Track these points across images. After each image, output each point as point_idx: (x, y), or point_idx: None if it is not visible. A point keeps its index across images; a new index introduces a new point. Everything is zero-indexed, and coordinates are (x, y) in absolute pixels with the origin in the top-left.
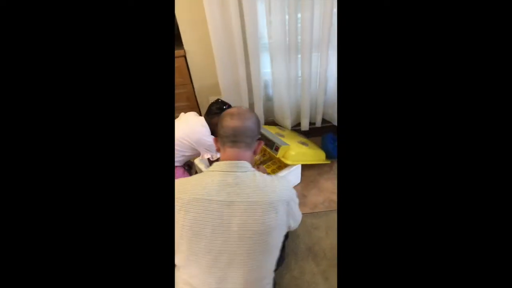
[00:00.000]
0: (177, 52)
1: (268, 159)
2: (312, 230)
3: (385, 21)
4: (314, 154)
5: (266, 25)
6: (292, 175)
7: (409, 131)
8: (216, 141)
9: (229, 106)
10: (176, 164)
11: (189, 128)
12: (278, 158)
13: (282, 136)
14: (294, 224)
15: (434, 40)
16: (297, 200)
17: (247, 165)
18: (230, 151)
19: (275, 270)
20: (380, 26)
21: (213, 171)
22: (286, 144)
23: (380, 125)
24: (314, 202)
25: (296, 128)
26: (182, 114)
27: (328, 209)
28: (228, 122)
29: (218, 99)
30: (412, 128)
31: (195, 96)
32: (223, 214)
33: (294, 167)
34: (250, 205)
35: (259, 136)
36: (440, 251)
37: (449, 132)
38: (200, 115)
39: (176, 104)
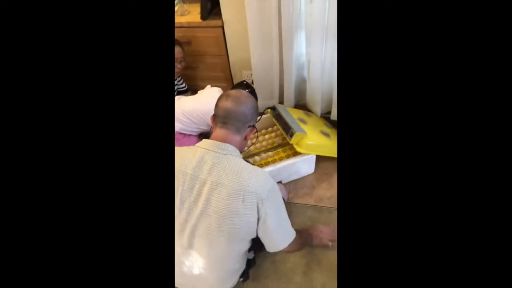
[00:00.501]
0: (215, 22)
1: (286, 143)
2: (308, 222)
3: (386, 20)
4: (333, 147)
5: (304, 2)
6: (304, 164)
7: (410, 128)
8: (212, 119)
9: (252, 91)
10: (191, 133)
11: (207, 106)
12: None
13: (304, 122)
14: (270, 239)
15: (435, 39)
16: (282, 210)
17: (230, 148)
18: (218, 131)
19: (242, 280)
20: (380, 25)
21: (198, 147)
22: (302, 131)
23: (381, 123)
24: (320, 195)
25: (326, 116)
26: (207, 87)
27: (332, 206)
28: (223, 102)
29: (243, 81)
30: (414, 127)
31: (230, 68)
32: (194, 188)
33: (307, 156)
34: (218, 186)
35: (253, 123)
36: (440, 252)
37: (451, 130)
38: (232, 87)
39: (211, 74)
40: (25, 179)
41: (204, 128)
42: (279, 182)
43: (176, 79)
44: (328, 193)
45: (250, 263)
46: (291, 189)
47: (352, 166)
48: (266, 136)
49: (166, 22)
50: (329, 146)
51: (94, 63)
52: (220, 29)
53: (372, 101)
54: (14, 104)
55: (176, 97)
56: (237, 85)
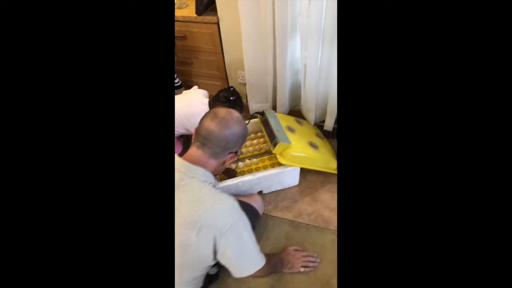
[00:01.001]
0: (210, 18)
1: (268, 152)
2: (282, 239)
3: (385, 20)
4: (320, 160)
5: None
6: (287, 175)
7: (411, 134)
8: (195, 132)
9: (238, 99)
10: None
11: (189, 110)
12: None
13: (293, 131)
14: (232, 268)
15: (435, 40)
16: (247, 241)
17: (199, 172)
18: (194, 151)
19: None
20: (380, 26)
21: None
22: (287, 141)
23: (383, 130)
24: (301, 210)
25: (321, 125)
26: (194, 88)
27: (311, 224)
28: (207, 121)
29: (230, 87)
30: (415, 132)
31: (225, 67)
32: None
33: (290, 167)
34: (175, 211)
35: (235, 150)
36: (440, 265)
37: (455, 140)
38: (228, 86)
39: (206, 71)
40: (24, 179)
41: (182, 131)
42: (260, 192)
43: None
44: (309, 208)
45: (211, 278)
46: (272, 200)
47: (353, 176)
48: (254, 141)
49: (166, 20)
50: (316, 159)
51: (92, 59)
52: (216, 26)
53: (373, 108)
54: (12, 103)
55: None
56: (223, 90)
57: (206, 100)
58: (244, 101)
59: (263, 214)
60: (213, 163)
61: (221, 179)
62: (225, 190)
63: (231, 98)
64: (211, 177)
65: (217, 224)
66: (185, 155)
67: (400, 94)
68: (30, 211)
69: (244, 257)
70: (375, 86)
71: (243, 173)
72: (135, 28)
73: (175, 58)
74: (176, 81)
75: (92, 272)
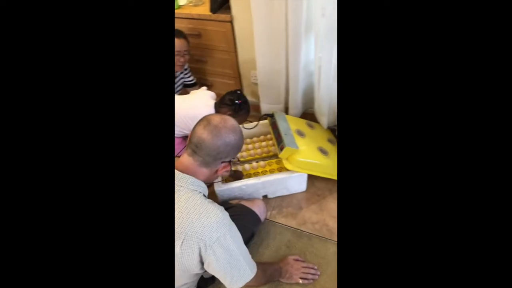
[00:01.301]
0: (224, 17)
1: (276, 155)
2: (282, 247)
3: (386, 21)
4: (329, 167)
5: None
6: (293, 181)
7: (412, 136)
8: (189, 137)
9: (244, 102)
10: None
11: (193, 111)
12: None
13: (302, 135)
14: (221, 279)
15: (435, 42)
16: (236, 254)
17: (189, 181)
18: (185, 158)
19: None
20: (380, 26)
21: None
22: (295, 146)
23: (383, 132)
24: (305, 218)
25: (334, 128)
26: (202, 88)
27: (315, 233)
28: (200, 129)
29: (237, 90)
30: (416, 135)
31: (238, 66)
32: None
33: (297, 173)
34: None
35: (228, 160)
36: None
37: (457, 143)
38: (240, 86)
39: (219, 70)
40: (23, 179)
41: (186, 132)
42: (265, 197)
43: (183, 72)
44: (314, 217)
45: (207, 282)
46: (276, 205)
47: (353, 180)
48: (263, 143)
49: (166, 18)
50: (324, 165)
51: (92, 58)
52: (229, 25)
53: (374, 109)
54: (11, 103)
55: None
56: (229, 93)
57: (212, 102)
58: (256, 101)
59: (266, 219)
60: (204, 171)
61: (226, 181)
62: (228, 193)
63: (236, 101)
64: (202, 186)
65: (202, 237)
66: (176, 162)
67: (400, 95)
68: (28, 213)
69: (233, 270)
70: (375, 87)
71: (249, 175)
72: (135, 27)
73: (187, 57)
74: (191, 78)
75: (89, 273)
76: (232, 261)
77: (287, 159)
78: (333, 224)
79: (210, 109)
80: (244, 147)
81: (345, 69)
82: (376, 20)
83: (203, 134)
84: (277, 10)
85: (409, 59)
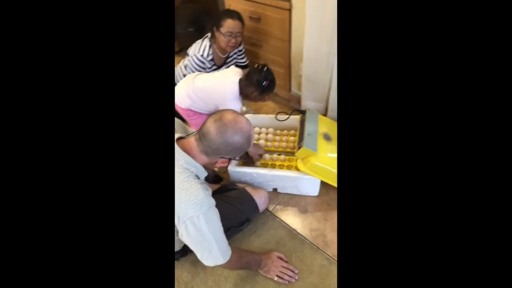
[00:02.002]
0: (283, 4)
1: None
2: (272, 242)
3: (386, 21)
4: None
5: None
6: (304, 183)
7: (414, 138)
8: (202, 124)
9: (271, 82)
10: (201, 112)
11: (219, 88)
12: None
13: (329, 139)
14: (196, 254)
15: (435, 41)
16: (207, 240)
17: (185, 160)
18: (192, 140)
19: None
20: (380, 27)
21: None
22: (313, 148)
23: (387, 138)
24: (306, 222)
25: None
26: (231, 67)
27: (309, 240)
28: (210, 122)
29: (264, 66)
30: (418, 138)
31: (290, 56)
32: None
33: (309, 176)
34: None
35: (228, 157)
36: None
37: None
38: (289, 76)
39: (272, 57)
40: (23, 178)
41: (212, 108)
42: (275, 190)
43: (236, 53)
44: (315, 224)
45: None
46: (283, 201)
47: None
48: (291, 138)
49: (166, 18)
50: None
51: (91, 56)
52: (288, 13)
53: (375, 106)
54: (11, 103)
55: (195, 73)
56: (256, 71)
57: (236, 79)
58: (298, 93)
59: (267, 211)
60: (203, 158)
61: (244, 164)
62: (239, 176)
63: (263, 83)
64: (196, 167)
65: (177, 210)
66: (183, 141)
67: (401, 97)
68: (29, 211)
69: (204, 250)
70: (376, 89)
71: (265, 165)
72: (134, 25)
73: (240, 39)
74: (243, 60)
75: (90, 266)
76: (204, 242)
77: (302, 159)
78: (331, 237)
79: (235, 86)
80: (271, 136)
81: (346, 70)
82: (376, 20)
83: (211, 127)
84: (331, 5)
85: (410, 60)
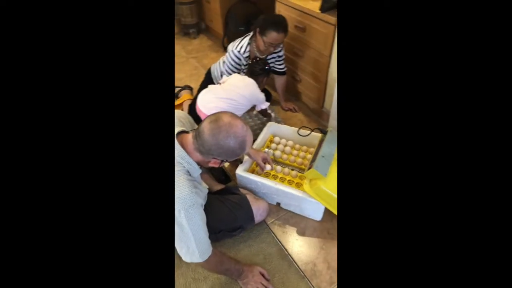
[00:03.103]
0: (329, 18)
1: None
2: (260, 256)
3: (386, 22)
4: None
5: None
6: (307, 205)
7: (414, 140)
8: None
9: (269, 68)
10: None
11: (237, 86)
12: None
13: None
14: (177, 248)
15: (435, 42)
16: (185, 234)
17: (179, 154)
18: (189, 136)
19: None
20: (381, 28)
21: None
22: (323, 173)
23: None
24: (299, 245)
25: None
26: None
27: (298, 265)
28: (206, 122)
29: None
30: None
31: (327, 72)
32: None
33: (313, 199)
34: None
35: (219, 159)
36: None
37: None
38: (324, 92)
39: (310, 69)
40: (23, 178)
41: (242, 108)
42: (278, 204)
43: (275, 58)
44: (308, 251)
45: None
46: (284, 218)
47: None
48: (309, 155)
49: (166, 18)
50: None
51: (91, 57)
52: (333, 28)
53: (375, 111)
54: (12, 104)
55: (218, 86)
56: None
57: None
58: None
59: (264, 222)
60: (197, 156)
61: (256, 173)
62: (245, 181)
63: (266, 68)
64: (189, 163)
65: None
66: (184, 135)
67: (402, 100)
68: (29, 212)
69: (182, 244)
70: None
71: (275, 177)
72: (134, 26)
73: (279, 48)
74: (282, 67)
75: (91, 261)
76: (183, 237)
77: (310, 181)
78: (321, 267)
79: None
80: (289, 149)
81: (346, 72)
82: (376, 21)
83: (206, 127)
84: None
85: (409, 61)
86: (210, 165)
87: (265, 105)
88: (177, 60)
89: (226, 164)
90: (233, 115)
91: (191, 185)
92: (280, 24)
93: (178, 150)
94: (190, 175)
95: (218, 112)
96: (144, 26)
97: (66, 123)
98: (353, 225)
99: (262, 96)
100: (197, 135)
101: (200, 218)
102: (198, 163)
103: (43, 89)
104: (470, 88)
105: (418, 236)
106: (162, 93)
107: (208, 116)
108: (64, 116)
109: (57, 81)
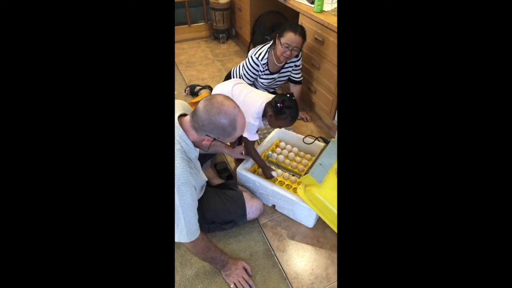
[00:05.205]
0: None
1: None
2: (247, 252)
3: (386, 22)
4: None
5: None
6: (299, 209)
7: (415, 142)
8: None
9: (287, 107)
10: None
11: (250, 101)
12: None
13: None
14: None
15: (435, 42)
16: (179, 209)
17: (178, 133)
18: (187, 117)
19: None
20: (381, 28)
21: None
22: (318, 180)
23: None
24: (286, 249)
25: None
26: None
27: (282, 267)
28: (202, 101)
29: (288, 93)
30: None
31: None
32: None
33: (306, 205)
34: None
35: (212, 136)
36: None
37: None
38: (336, 106)
39: (325, 82)
40: (24, 178)
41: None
42: (273, 206)
43: (292, 67)
44: (296, 257)
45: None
46: (276, 219)
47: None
48: (310, 163)
49: (166, 21)
50: (337, 216)
51: (91, 59)
52: None
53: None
54: (12, 104)
55: (235, 80)
56: (278, 95)
57: (267, 100)
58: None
59: (257, 221)
60: (193, 133)
61: (260, 175)
62: (244, 179)
63: (278, 104)
64: (186, 142)
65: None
66: (182, 118)
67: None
68: (29, 212)
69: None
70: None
71: (275, 180)
72: (134, 28)
73: (295, 53)
74: (298, 76)
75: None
76: (181, 209)
77: (305, 186)
78: (304, 273)
79: (262, 105)
80: (292, 155)
81: (346, 73)
82: (376, 21)
83: (201, 104)
84: None
85: (410, 61)
86: (204, 143)
87: (247, 135)
88: (203, 61)
89: (232, 164)
90: (226, 97)
91: (185, 164)
92: (297, 26)
93: (177, 129)
94: (186, 155)
95: (215, 94)
96: (145, 16)
97: (69, 111)
98: (353, 237)
99: (253, 121)
100: (194, 113)
101: (191, 198)
102: (194, 143)
103: (42, 91)
104: (470, 95)
105: (416, 249)
106: (162, 78)
107: (208, 96)
108: (67, 104)
109: (62, 72)
